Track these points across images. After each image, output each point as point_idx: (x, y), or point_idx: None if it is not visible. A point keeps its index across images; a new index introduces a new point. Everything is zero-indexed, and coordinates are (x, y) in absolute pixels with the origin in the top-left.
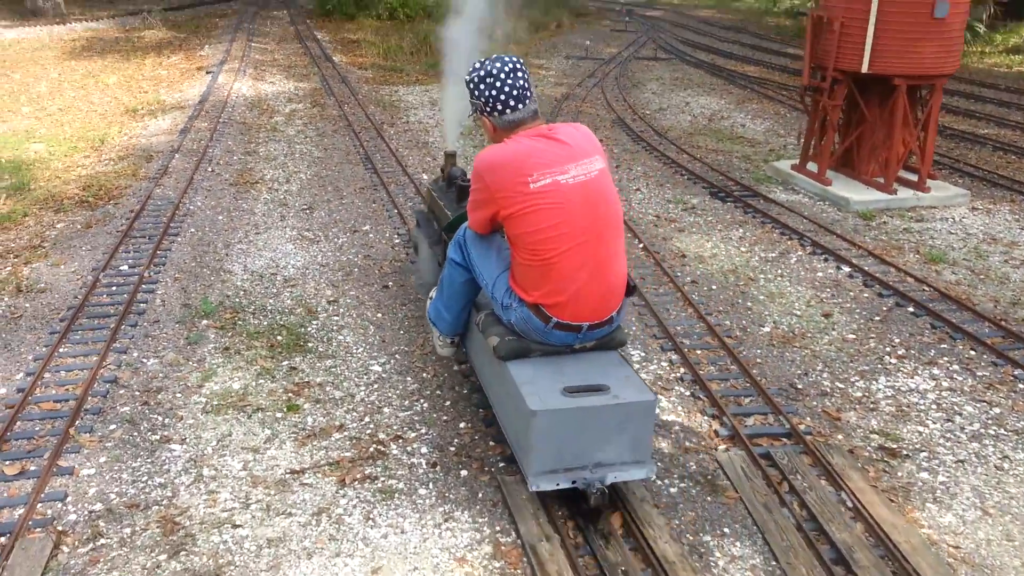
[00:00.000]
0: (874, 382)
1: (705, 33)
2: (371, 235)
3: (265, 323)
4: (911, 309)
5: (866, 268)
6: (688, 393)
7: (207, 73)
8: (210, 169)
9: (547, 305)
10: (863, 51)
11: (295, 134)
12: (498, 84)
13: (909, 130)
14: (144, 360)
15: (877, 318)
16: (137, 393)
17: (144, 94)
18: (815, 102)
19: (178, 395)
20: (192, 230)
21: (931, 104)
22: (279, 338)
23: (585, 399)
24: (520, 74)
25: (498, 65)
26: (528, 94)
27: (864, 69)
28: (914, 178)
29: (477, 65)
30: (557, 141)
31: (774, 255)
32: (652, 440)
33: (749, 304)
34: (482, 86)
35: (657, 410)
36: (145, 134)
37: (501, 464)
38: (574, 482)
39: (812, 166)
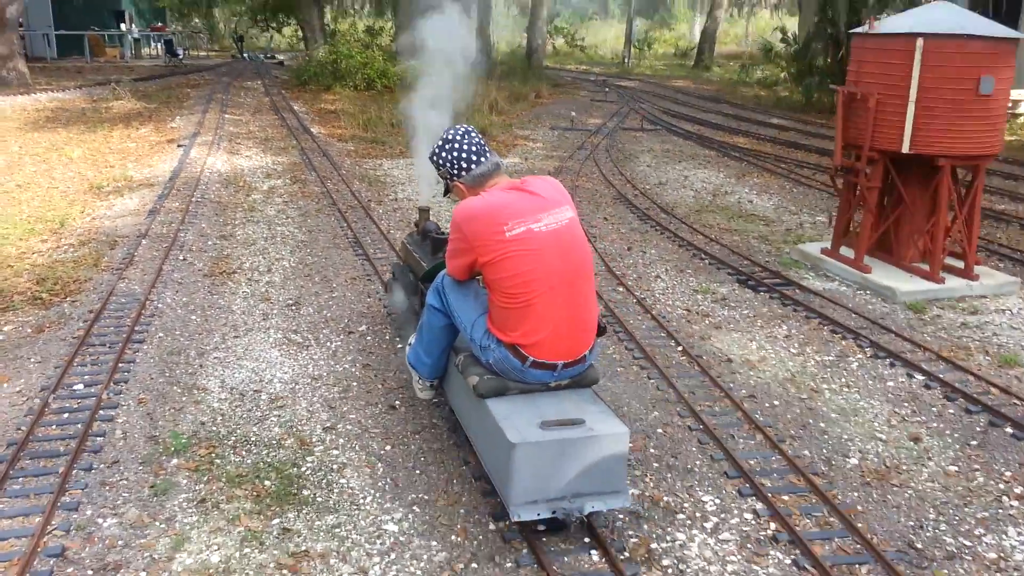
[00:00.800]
0: (1003, 536)
1: (684, 103)
2: (368, 337)
3: (249, 461)
4: (1009, 430)
5: (940, 375)
6: (789, 561)
7: (178, 146)
8: (182, 257)
9: (524, 345)
10: (903, 130)
11: (275, 214)
12: (456, 146)
13: (952, 213)
14: (100, 520)
15: (974, 442)
16: (90, 573)
17: (110, 169)
18: (848, 183)
19: (142, 574)
20: (160, 334)
21: (975, 185)
22: (267, 483)
23: (561, 432)
24: (473, 134)
25: (451, 132)
26: (486, 149)
27: (904, 149)
28: (958, 264)
29: (437, 142)
30: (529, 193)
31: (831, 358)
32: (626, 470)
33: (822, 425)
34: (443, 153)
35: (628, 443)
36: (110, 215)
37: None
38: (554, 512)
39: (846, 251)
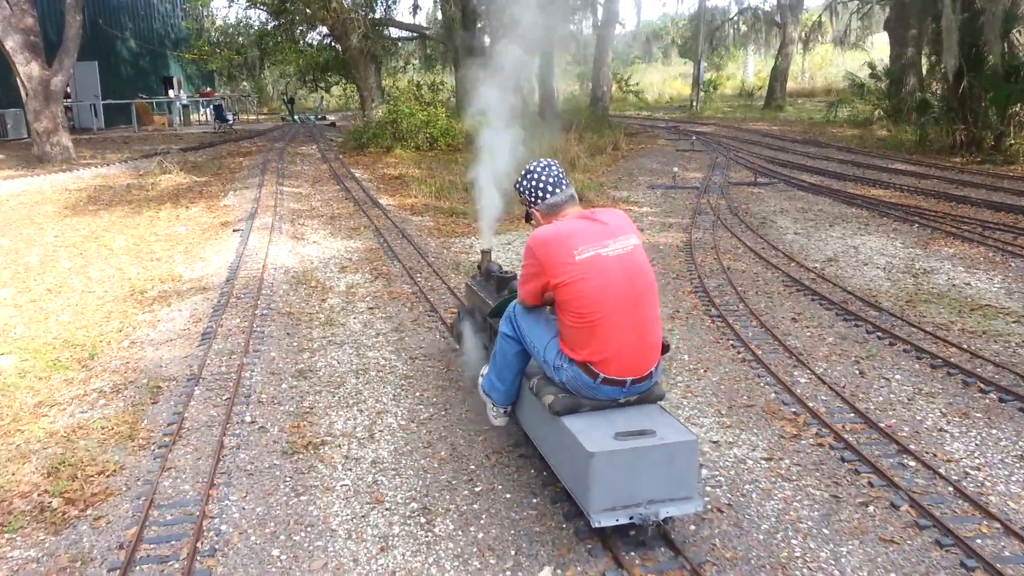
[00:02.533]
0: None
1: (780, 148)
2: None
3: None
4: None
5: None
6: None
7: (234, 231)
8: (248, 418)
9: (594, 362)
10: None
11: (362, 329)
12: (536, 176)
13: None
14: None
15: None
16: None
17: (156, 264)
18: None
19: None
20: None
21: None
22: None
23: (634, 441)
24: (554, 167)
25: (534, 164)
26: (563, 181)
27: None
28: None
29: (522, 171)
30: (598, 221)
31: None
32: (697, 476)
33: None
34: (524, 182)
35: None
36: (153, 338)
37: None
38: (631, 517)
39: None
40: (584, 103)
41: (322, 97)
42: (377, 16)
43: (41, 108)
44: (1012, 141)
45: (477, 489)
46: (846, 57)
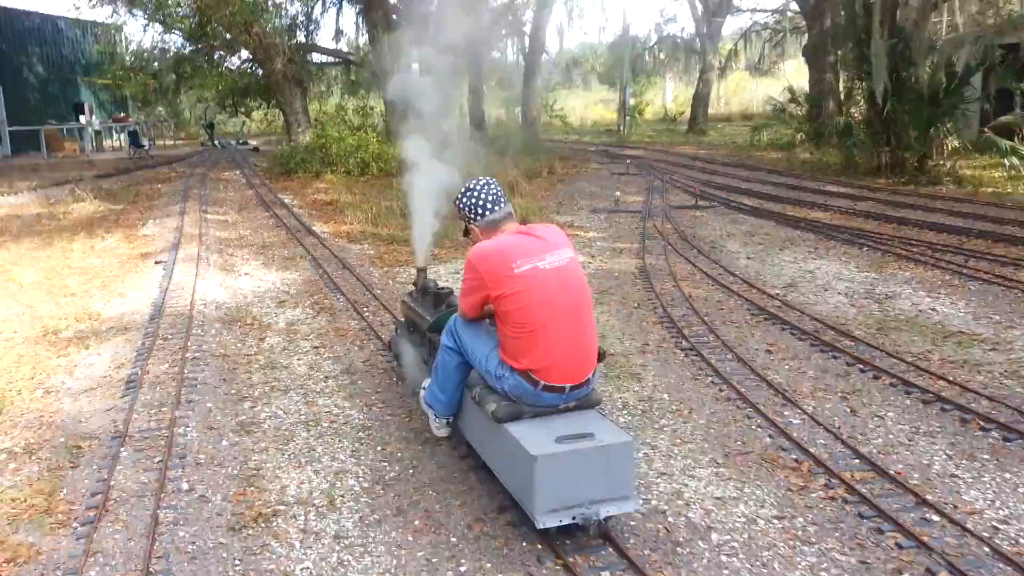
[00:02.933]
0: None
1: (713, 172)
2: None
3: None
4: None
5: None
6: None
7: (156, 262)
8: (185, 485)
9: (535, 370)
10: None
11: (308, 372)
12: (475, 193)
13: None
14: None
15: None
16: None
17: (71, 300)
18: None
19: None
20: None
21: None
22: None
23: (575, 444)
24: (492, 186)
25: (473, 182)
26: (502, 198)
27: None
28: None
29: (462, 188)
30: (535, 236)
31: None
32: (634, 476)
33: None
34: (464, 199)
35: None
36: (70, 388)
37: None
38: (574, 518)
39: None
40: (513, 127)
41: (243, 122)
42: (300, 41)
43: None
44: (935, 163)
45: (463, 569)
46: (759, 83)
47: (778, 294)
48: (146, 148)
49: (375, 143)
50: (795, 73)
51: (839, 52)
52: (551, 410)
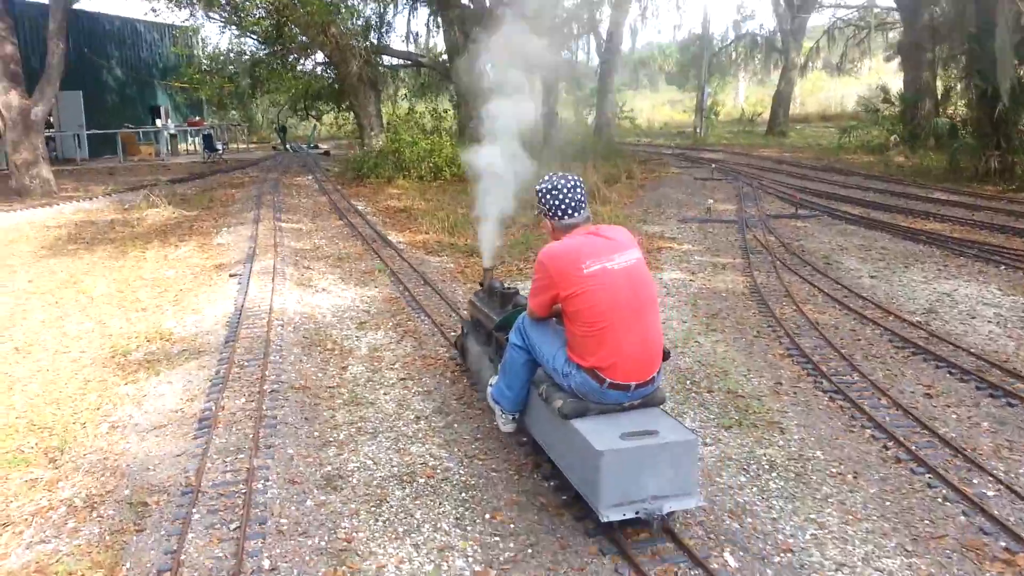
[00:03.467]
0: None
1: (802, 176)
2: None
3: None
4: None
5: None
6: None
7: (231, 276)
8: (267, 563)
9: (601, 368)
10: None
11: (396, 411)
12: (561, 196)
13: None
14: None
15: None
16: None
17: (142, 316)
18: None
19: None
20: None
21: None
22: None
23: (640, 441)
24: (579, 190)
25: (563, 181)
26: (583, 204)
27: None
28: None
29: (546, 178)
30: (604, 237)
31: None
32: (698, 474)
33: None
34: (548, 196)
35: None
36: (137, 423)
37: None
38: (637, 512)
39: None
40: (586, 130)
41: (315, 126)
42: (374, 43)
43: (20, 139)
44: None
45: None
46: (838, 83)
47: (919, 321)
48: (220, 152)
49: (449, 147)
50: (873, 72)
51: (938, 48)
52: (616, 407)
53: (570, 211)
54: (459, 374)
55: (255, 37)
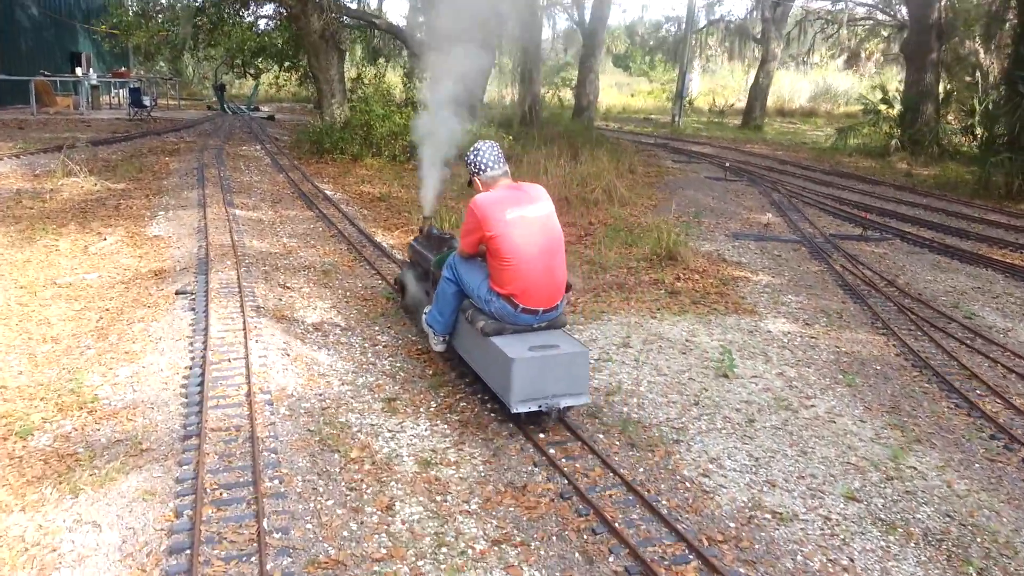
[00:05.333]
0: None
1: (823, 182)
2: None
3: None
4: None
5: None
6: None
7: (178, 294)
8: None
9: (515, 295)
10: None
11: None
12: (481, 153)
13: None
14: None
15: None
16: None
17: (52, 355)
18: None
19: None
20: None
21: None
22: None
23: (543, 352)
24: (495, 148)
25: (483, 144)
26: (501, 159)
27: None
28: None
29: (472, 147)
30: (523, 191)
31: None
32: (587, 378)
33: None
34: (472, 156)
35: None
36: None
37: None
38: (540, 406)
39: None
40: (562, 111)
41: (256, 85)
42: None
43: None
44: None
45: None
46: (786, 76)
47: None
48: (149, 109)
49: None
50: (821, 68)
51: (944, 49)
52: (527, 328)
53: (491, 164)
54: (582, 518)
55: None
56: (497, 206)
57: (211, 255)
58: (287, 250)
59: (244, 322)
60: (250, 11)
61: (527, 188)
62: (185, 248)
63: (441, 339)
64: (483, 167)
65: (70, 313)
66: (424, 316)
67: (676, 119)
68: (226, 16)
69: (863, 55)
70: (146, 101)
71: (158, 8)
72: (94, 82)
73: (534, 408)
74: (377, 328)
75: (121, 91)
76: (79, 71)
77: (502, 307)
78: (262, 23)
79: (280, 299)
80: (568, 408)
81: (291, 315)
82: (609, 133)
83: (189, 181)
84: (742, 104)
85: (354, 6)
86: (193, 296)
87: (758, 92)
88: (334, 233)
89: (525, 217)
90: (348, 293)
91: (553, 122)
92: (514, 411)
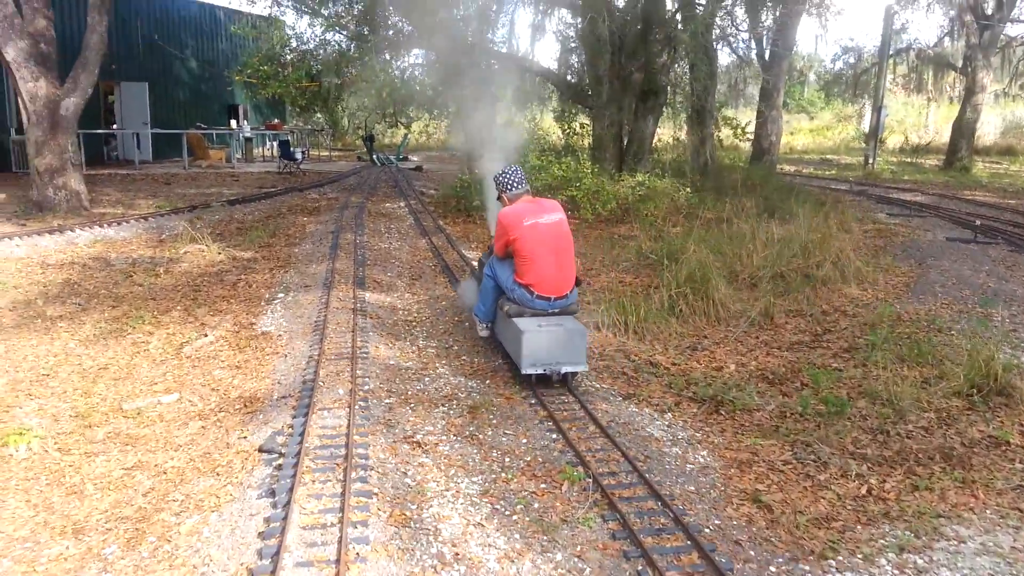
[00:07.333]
0: None
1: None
2: None
3: None
4: None
5: None
6: None
7: (261, 452)
8: None
9: (532, 285)
10: None
11: None
12: (507, 176)
13: None
14: None
15: None
16: None
17: (74, 551)
18: None
19: None
20: None
21: None
22: None
23: (548, 328)
24: (519, 172)
25: (508, 168)
26: (524, 180)
27: None
28: None
29: (499, 170)
30: (539, 204)
31: None
32: (585, 350)
33: None
34: (500, 178)
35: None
36: None
37: None
38: (544, 370)
39: None
40: (735, 154)
41: (405, 135)
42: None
43: (45, 139)
44: None
45: None
46: (994, 109)
47: None
48: (299, 162)
49: (590, 176)
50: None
51: None
52: (543, 313)
53: (515, 184)
54: None
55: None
56: (518, 216)
57: (321, 374)
58: (423, 363)
59: (342, 535)
60: (399, 60)
61: (543, 202)
62: (293, 357)
63: (485, 326)
64: (509, 186)
65: (117, 474)
66: (474, 308)
67: (870, 161)
68: (373, 66)
69: None
70: (297, 154)
71: (292, 57)
72: (247, 134)
73: (540, 372)
74: (584, 557)
75: (274, 143)
76: (233, 123)
77: (522, 294)
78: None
79: (405, 471)
80: (572, 374)
81: (420, 509)
82: (792, 179)
83: (321, 249)
84: (932, 140)
85: (505, 51)
86: (281, 459)
87: (964, 128)
88: (494, 357)
89: (539, 223)
90: (507, 458)
91: (729, 169)
92: (524, 372)
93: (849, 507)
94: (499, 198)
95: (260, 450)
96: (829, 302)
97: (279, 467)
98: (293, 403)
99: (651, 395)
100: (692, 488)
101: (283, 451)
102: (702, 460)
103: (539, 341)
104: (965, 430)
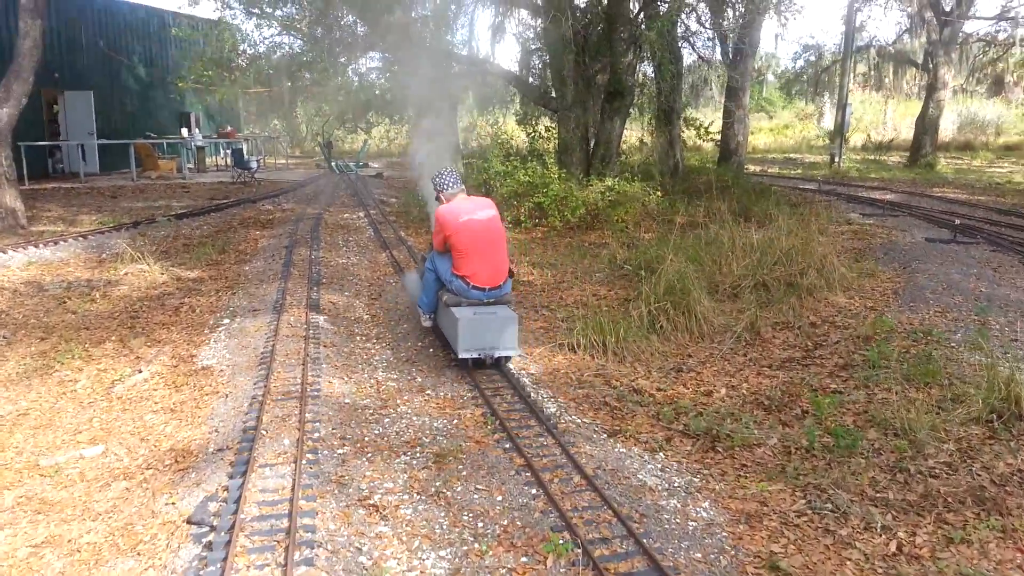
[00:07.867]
0: None
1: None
2: None
3: None
4: None
5: None
6: None
7: (189, 523)
8: None
9: (467, 276)
10: None
11: None
12: (443, 177)
13: None
14: None
15: None
16: None
17: None
18: None
19: None
20: None
21: None
22: None
23: (482, 315)
24: (454, 173)
25: (443, 170)
26: (458, 181)
27: None
28: None
29: (437, 172)
30: (473, 202)
31: None
32: (516, 336)
33: None
34: (437, 179)
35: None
36: None
37: None
38: (479, 354)
39: None
40: (701, 155)
41: (365, 141)
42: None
43: None
44: None
45: None
46: (950, 106)
47: None
48: (253, 171)
49: (557, 181)
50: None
51: None
52: (479, 302)
53: (450, 184)
54: None
55: (297, 36)
56: (454, 213)
57: (264, 419)
58: (382, 400)
59: None
60: (356, 63)
61: (476, 200)
62: (235, 397)
63: (428, 316)
64: (445, 186)
65: (22, 553)
66: (417, 300)
67: (836, 159)
68: (328, 69)
69: (1011, 81)
70: (251, 163)
71: (242, 61)
72: (199, 143)
73: (475, 356)
74: None
75: (228, 152)
76: (184, 132)
77: (459, 285)
78: (370, 75)
79: (360, 547)
80: (505, 358)
81: None
82: (760, 180)
83: (274, 267)
84: (895, 137)
85: (465, 53)
86: (212, 534)
87: (927, 125)
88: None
89: (474, 220)
90: (480, 523)
91: (698, 170)
92: (460, 357)
93: (879, 570)
94: (437, 198)
95: (189, 521)
96: (816, 312)
97: (209, 546)
98: (231, 457)
99: (638, 430)
100: (699, 555)
101: (214, 523)
102: (705, 515)
103: (474, 327)
104: (992, 464)
